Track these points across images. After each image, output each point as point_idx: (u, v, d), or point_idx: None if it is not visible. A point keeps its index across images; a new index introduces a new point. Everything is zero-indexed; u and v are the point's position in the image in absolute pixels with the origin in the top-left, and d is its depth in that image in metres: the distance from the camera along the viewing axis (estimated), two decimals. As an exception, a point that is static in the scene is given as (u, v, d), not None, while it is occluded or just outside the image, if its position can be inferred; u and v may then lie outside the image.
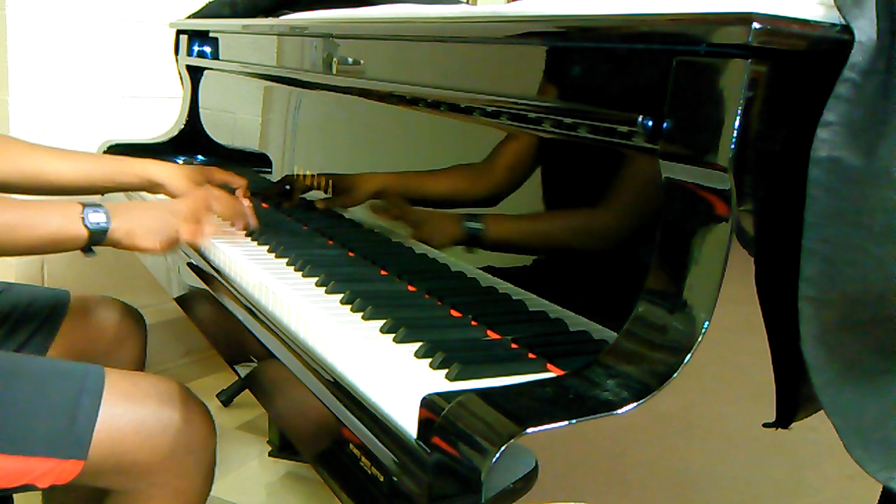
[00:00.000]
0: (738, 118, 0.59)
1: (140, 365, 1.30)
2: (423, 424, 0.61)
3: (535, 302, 0.83)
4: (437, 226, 1.00)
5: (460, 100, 0.90)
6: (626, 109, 0.67)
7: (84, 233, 1.00)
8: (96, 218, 1.02)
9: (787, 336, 0.63)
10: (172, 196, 1.27)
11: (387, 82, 1.05)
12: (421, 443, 0.62)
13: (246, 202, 1.26)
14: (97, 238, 1.02)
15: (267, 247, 1.15)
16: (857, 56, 0.60)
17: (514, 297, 0.86)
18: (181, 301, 1.25)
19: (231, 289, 1.03)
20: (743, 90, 0.59)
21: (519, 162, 0.87)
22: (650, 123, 0.65)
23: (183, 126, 1.80)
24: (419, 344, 0.78)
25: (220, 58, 1.72)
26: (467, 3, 2.02)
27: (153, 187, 1.28)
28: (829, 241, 0.61)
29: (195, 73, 1.78)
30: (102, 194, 1.41)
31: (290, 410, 0.86)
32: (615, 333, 0.66)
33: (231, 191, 1.35)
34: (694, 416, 0.64)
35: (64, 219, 1.00)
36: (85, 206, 1.02)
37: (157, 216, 1.09)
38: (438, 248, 0.98)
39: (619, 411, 0.58)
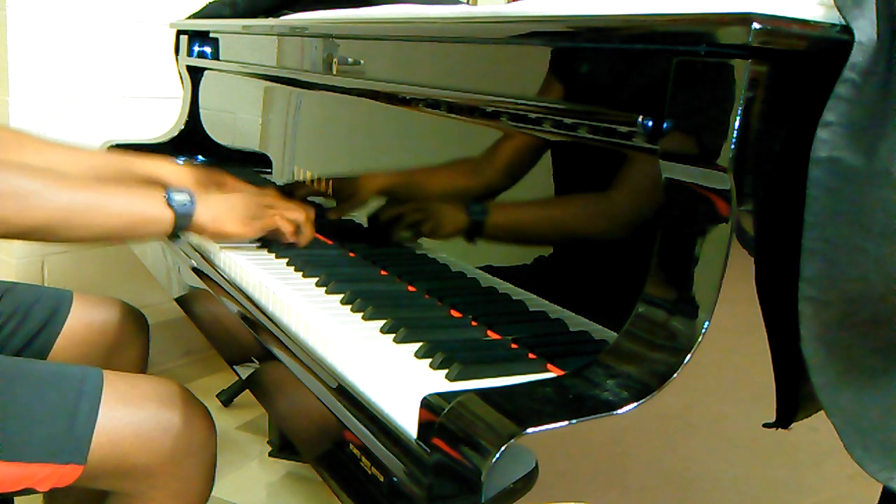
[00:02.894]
0: (738, 118, 0.59)
1: (142, 365, 1.30)
2: (424, 425, 0.62)
3: (535, 302, 0.83)
4: (436, 223, 1.00)
5: (460, 100, 0.90)
6: (627, 109, 0.67)
7: (169, 214, 0.97)
8: (181, 198, 0.99)
9: (787, 336, 0.63)
10: None
11: (387, 82, 1.05)
12: (421, 443, 0.62)
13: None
14: (183, 221, 0.99)
15: (267, 247, 1.15)
16: (857, 56, 0.60)
17: (514, 297, 0.86)
18: (181, 301, 1.25)
19: (231, 289, 1.03)
20: (743, 90, 0.59)
21: (519, 162, 0.87)
22: (650, 123, 0.65)
23: (183, 126, 1.80)
24: (419, 344, 0.78)
25: (221, 58, 1.72)
26: (467, 3, 2.02)
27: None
28: (829, 241, 0.61)
29: (195, 74, 1.78)
30: None
31: (291, 411, 0.86)
32: (615, 333, 0.66)
33: None
34: (694, 416, 0.64)
35: (147, 200, 0.97)
36: (168, 188, 0.99)
37: (247, 203, 1.08)
38: (438, 244, 0.98)
39: (619, 411, 0.58)
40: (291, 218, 1.13)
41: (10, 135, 1.20)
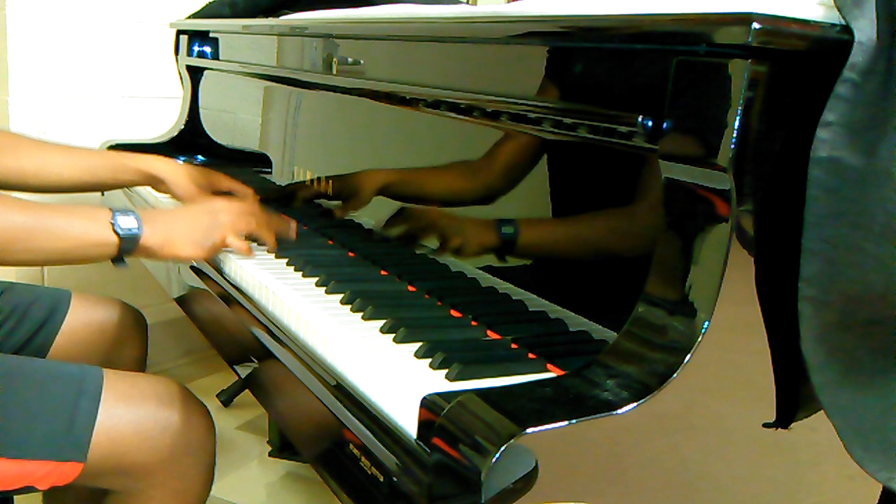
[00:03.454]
0: (737, 118, 0.59)
1: (141, 365, 1.30)
2: (423, 425, 0.61)
3: (535, 302, 0.83)
4: (435, 223, 1.00)
5: (460, 100, 0.90)
6: (626, 109, 0.67)
7: (114, 239, 0.93)
8: (127, 223, 0.94)
9: (787, 336, 0.63)
10: (175, 194, 1.27)
11: (387, 82, 1.05)
12: (421, 443, 0.62)
13: (293, 224, 1.18)
14: (128, 246, 0.94)
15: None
16: (857, 56, 0.60)
17: (514, 297, 0.86)
18: (181, 301, 1.25)
19: (231, 289, 1.03)
20: (743, 90, 0.59)
21: (519, 162, 0.87)
22: (650, 123, 0.65)
23: (183, 126, 1.80)
24: (419, 344, 0.78)
25: (220, 58, 1.72)
26: (467, 3, 2.02)
27: (156, 184, 1.27)
28: (829, 241, 0.61)
29: (195, 73, 1.78)
30: (103, 192, 1.40)
31: (290, 410, 0.86)
32: (615, 333, 0.66)
33: None
34: (694, 416, 0.64)
35: (90, 223, 0.93)
36: (114, 210, 0.95)
37: (197, 223, 1.04)
38: (438, 244, 0.98)
39: (619, 411, 0.58)
40: (241, 229, 1.08)
41: (4, 137, 1.20)
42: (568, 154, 0.81)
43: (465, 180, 0.96)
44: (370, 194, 1.14)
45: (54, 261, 0.94)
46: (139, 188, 1.47)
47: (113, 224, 0.94)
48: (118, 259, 0.96)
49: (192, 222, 1.04)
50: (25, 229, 0.90)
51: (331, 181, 1.23)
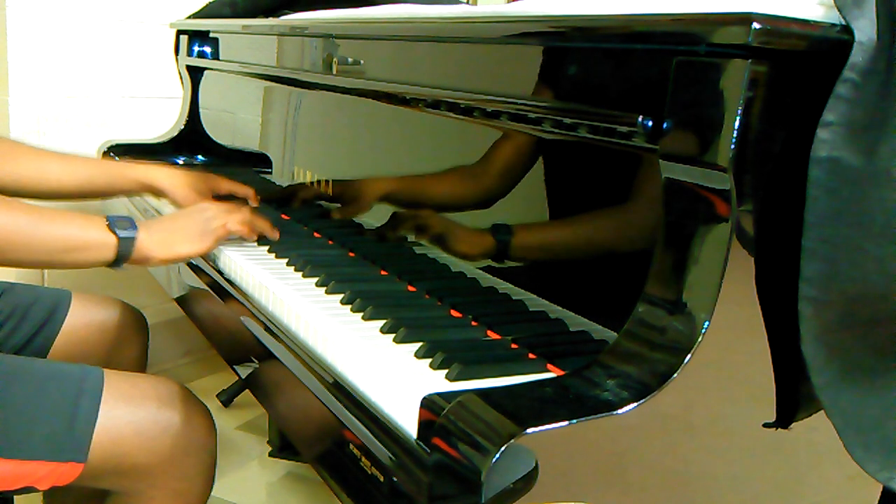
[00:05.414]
0: (738, 118, 0.59)
1: (141, 365, 1.30)
2: (423, 425, 0.62)
3: (535, 302, 0.83)
4: (435, 223, 1.00)
5: (460, 100, 0.90)
6: (626, 109, 0.67)
7: (112, 239, 0.95)
8: (122, 224, 0.97)
9: (787, 336, 0.63)
10: (175, 203, 1.27)
11: (387, 82, 1.05)
12: (421, 443, 0.62)
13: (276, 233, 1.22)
14: (126, 247, 0.96)
15: (267, 247, 1.15)
16: (857, 56, 0.60)
17: (514, 297, 0.86)
18: (181, 301, 1.25)
19: (231, 289, 1.03)
20: (743, 90, 0.59)
21: (519, 162, 0.87)
22: (650, 123, 0.65)
23: (183, 126, 1.80)
24: (419, 344, 0.78)
25: (221, 58, 1.72)
26: (467, 3, 2.02)
27: (155, 193, 1.27)
28: (829, 241, 0.61)
29: (195, 74, 1.78)
30: (103, 199, 1.40)
31: (291, 410, 0.86)
32: (615, 333, 0.66)
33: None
34: (694, 416, 0.64)
35: (88, 223, 0.96)
36: (109, 216, 0.97)
37: (191, 221, 1.07)
38: (438, 244, 0.98)
39: (620, 411, 0.58)
40: (239, 219, 1.12)
41: (3, 144, 1.20)
42: (568, 154, 0.81)
43: (464, 180, 0.96)
44: (370, 194, 1.14)
45: (52, 262, 0.96)
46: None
47: (110, 226, 0.96)
48: (116, 262, 0.98)
49: (186, 221, 1.07)
50: (27, 227, 0.91)
51: (331, 181, 1.23)
